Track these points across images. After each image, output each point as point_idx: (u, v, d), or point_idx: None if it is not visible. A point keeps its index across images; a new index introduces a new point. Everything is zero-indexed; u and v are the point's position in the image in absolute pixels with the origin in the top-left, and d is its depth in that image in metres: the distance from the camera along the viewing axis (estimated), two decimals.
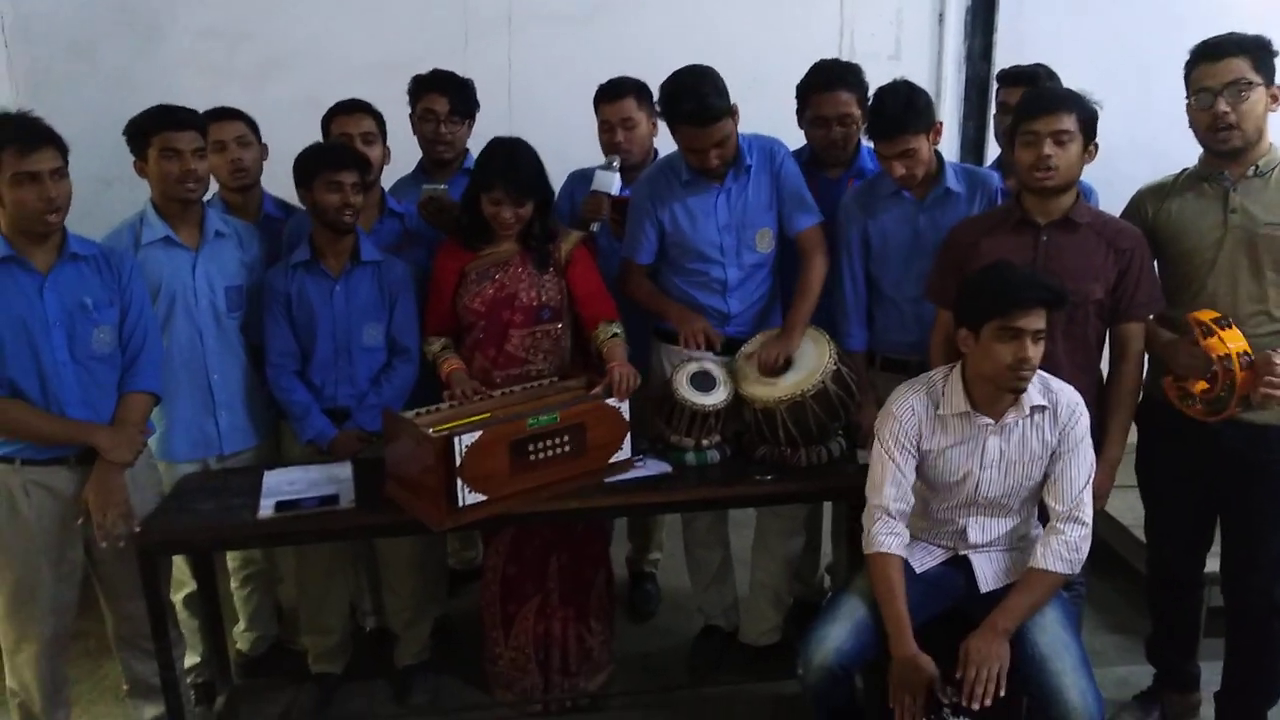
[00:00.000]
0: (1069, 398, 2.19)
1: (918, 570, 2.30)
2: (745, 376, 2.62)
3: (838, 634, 2.19)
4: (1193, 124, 2.34)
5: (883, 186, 2.68)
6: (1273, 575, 2.42)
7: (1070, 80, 2.93)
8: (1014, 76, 2.96)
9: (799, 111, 2.88)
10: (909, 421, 2.22)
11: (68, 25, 3.71)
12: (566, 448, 2.41)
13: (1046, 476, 2.22)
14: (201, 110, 2.70)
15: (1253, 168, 2.30)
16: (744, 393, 2.58)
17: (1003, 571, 2.29)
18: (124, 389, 2.39)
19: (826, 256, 2.72)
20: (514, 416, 2.37)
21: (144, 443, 2.41)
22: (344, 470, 2.57)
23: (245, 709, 2.85)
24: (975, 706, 2.07)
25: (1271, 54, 2.27)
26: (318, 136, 2.89)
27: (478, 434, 2.26)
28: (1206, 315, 2.26)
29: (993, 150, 3.59)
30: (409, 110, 3.11)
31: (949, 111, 4.15)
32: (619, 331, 2.67)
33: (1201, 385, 2.31)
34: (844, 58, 3.40)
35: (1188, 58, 2.33)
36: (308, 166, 2.59)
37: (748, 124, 2.68)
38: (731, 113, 2.58)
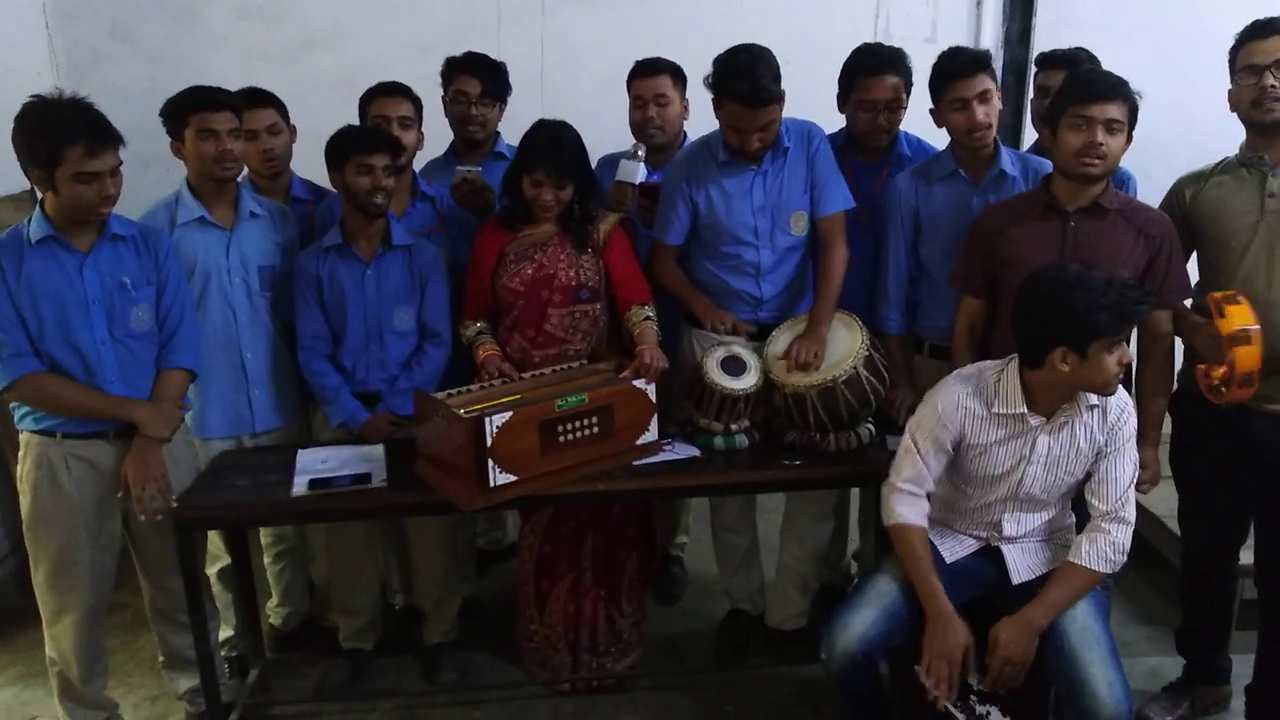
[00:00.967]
0: (1120, 397, 2.15)
1: (948, 560, 2.29)
2: (776, 361, 2.61)
3: (862, 620, 2.19)
4: (1235, 103, 2.31)
5: (939, 168, 2.67)
6: None
7: (1110, 67, 2.89)
8: (1054, 60, 2.93)
9: (841, 95, 2.85)
10: (953, 419, 2.18)
11: (107, 6, 3.76)
12: (595, 429, 2.42)
13: (1090, 475, 2.19)
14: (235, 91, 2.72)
15: None
16: (775, 377, 2.57)
17: (1036, 564, 2.27)
18: (161, 366, 2.42)
19: (847, 245, 2.71)
20: (544, 398, 2.39)
21: (181, 419, 2.44)
22: (376, 450, 2.60)
23: (277, 683, 2.90)
24: (997, 691, 2.07)
25: None
26: (352, 116, 2.91)
27: (508, 414, 2.27)
28: (1220, 294, 2.23)
29: (1029, 135, 3.55)
30: (441, 92, 3.12)
31: None
32: (651, 315, 2.67)
33: (1221, 370, 2.25)
34: (879, 39, 3.37)
35: (1234, 40, 2.30)
36: (340, 149, 2.59)
37: (785, 107, 2.65)
38: (780, 99, 2.56)
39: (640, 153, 2.88)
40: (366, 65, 3.07)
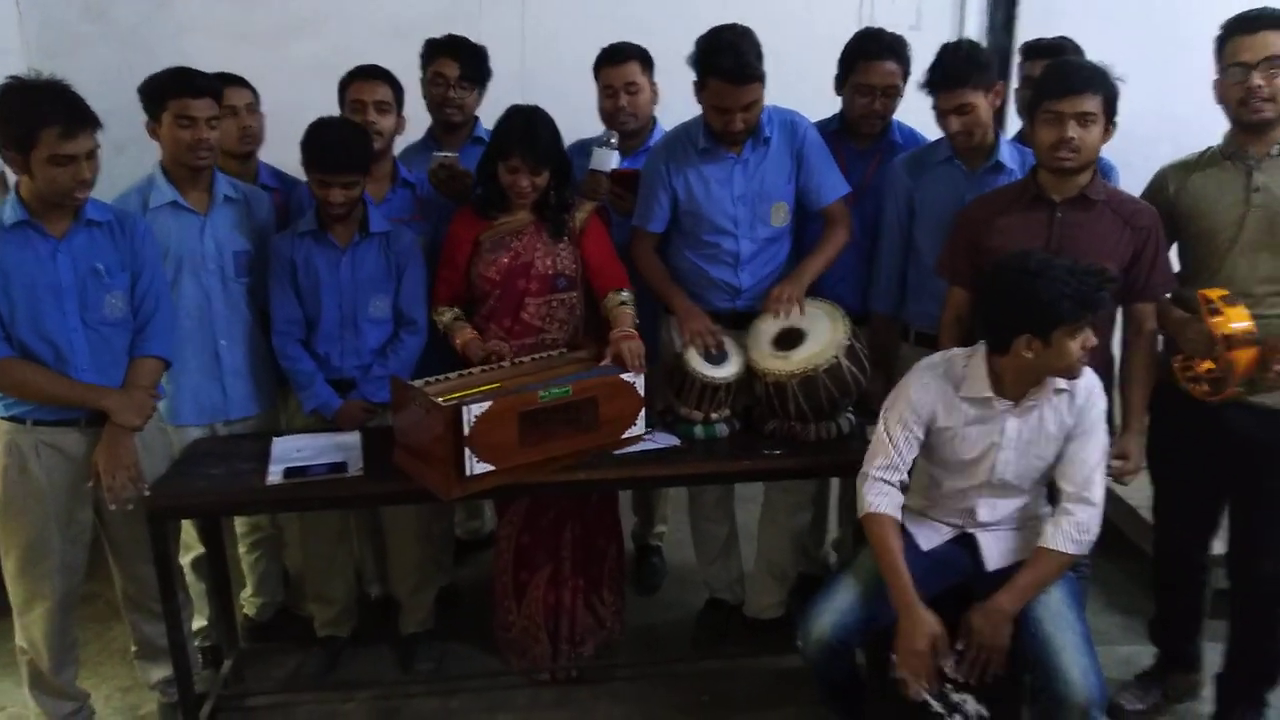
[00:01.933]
0: (1088, 380, 2.17)
1: (924, 548, 2.30)
2: (758, 350, 2.61)
3: (836, 608, 2.21)
4: (1221, 98, 2.31)
5: (935, 154, 2.68)
6: (1278, 559, 2.41)
7: (1094, 56, 2.89)
8: (1039, 49, 2.94)
9: (840, 77, 2.85)
10: (922, 403, 2.20)
11: None
12: (578, 421, 2.40)
13: (1059, 457, 2.21)
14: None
15: (1276, 146, 2.28)
16: (756, 365, 2.57)
17: (1010, 550, 2.29)
18: (135, 353, 2.39)
19: (851, 230, 2.72)
20: (524, 388, 2.37)
21: (154, 407, 2.41)
22: (352, 438, 2.58)
23: (251, 672, 2.88)
24: (971, 682, 2.08)
25: None
26: (332, 99, 2.87)
27: (487, 404, 2.25)
28: (1214, 293, 2.24)
29: (1013, 123, 3.54)
30: (420, 75, 3.09)
31: None
32: (628, 300, 2.66)
33: (1207, 365, 2.28)
34: (864, 24, 3.35)
35: (1219, 31, 2.30)
36: (307, 157, 2.56)
37: (766, 93, 2.63)
38: (763, 78, 2.55)
39: (613, 140, 2.86)
40: (346, 50, 3.03)
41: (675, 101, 2.96)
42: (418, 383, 2.44)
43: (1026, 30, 3.81)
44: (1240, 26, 2.25)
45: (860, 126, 2.85)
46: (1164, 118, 3.27)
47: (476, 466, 2.27)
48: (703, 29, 2.58)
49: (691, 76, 2.62)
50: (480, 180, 2.66)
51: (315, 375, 2.66)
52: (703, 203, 2.72)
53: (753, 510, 3.10)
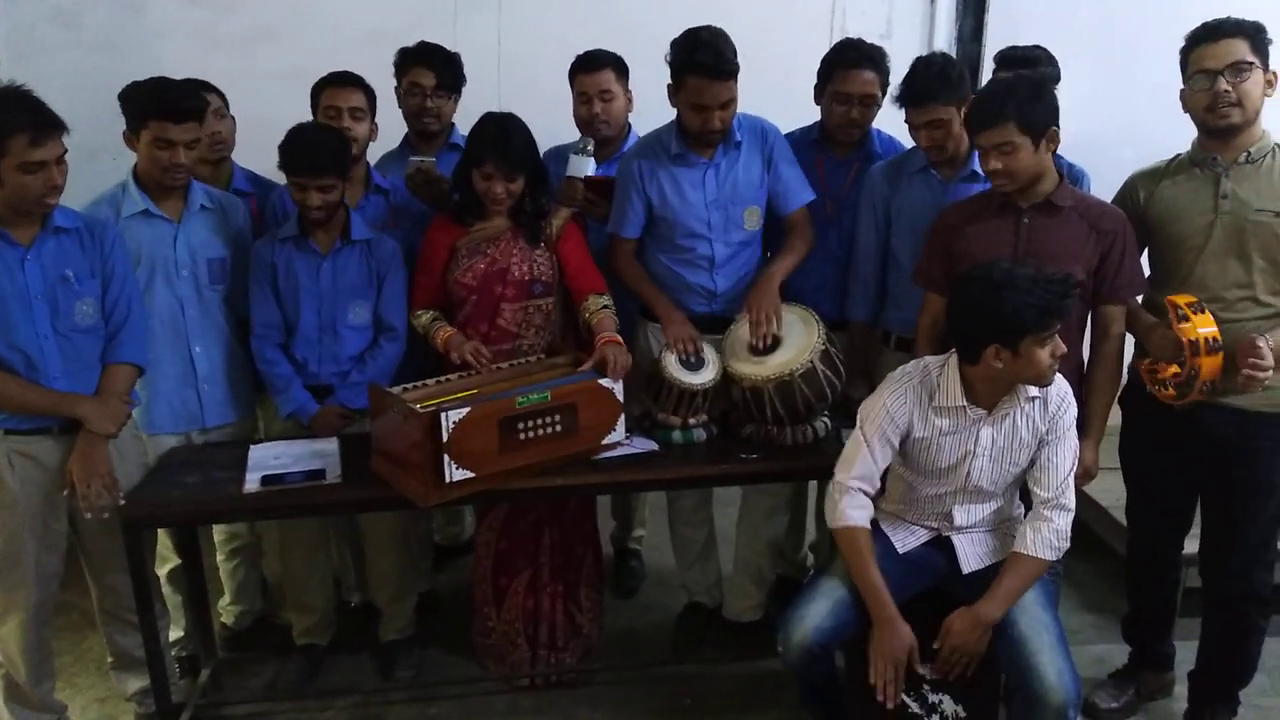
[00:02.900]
0: (1059, 387, 2.20)
1: (900, 550, 2.32)
2: (734, 355, 2.62)
3: (816, 612, 2.22)
4: (1189, 106, 2.34)
5: (911, 163, 2.71)
6: (1250, 558, 2.45)
7: (1061, 64, 2.94)
8: (1013, 59, 2.94)
9: (819, 86, 2.86)
10: (899, 411, 2.22)
11: None
12: (557, 427, 2.41)
13: (1032, 463, 2.24)
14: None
15: (1244, 154, 2.31)
16: (733, 371, 2.58)
17: (985, 553, 2.31)
18: (107, 360, 2.37)
19: (812, 238, 2.76)
20: (503, 394, 2.37)
21: (128, 414, 2.39)
22: (330, 445, 2.57)
23: (230, 682, 2.86)
24: (950, 678, 2.11)
25: (1267, 39, 2.28)
26: (305, 106, 2.86)
27: (465, 410, 2.25)
28: (1183, 299, 2.28)
29: None
30: (395, 83, 3.09)
31: None
32: (608, 304, 2.67)
33: (1173, 369, 2.33)
34: (835, 35, 3.39)
35: (1184, 42, 2.33)
36: (285, 162, 2.55)
37: (738, 101, 2.65)
38: (737, 76, 2.57)
39: (588, 147, 2.87)
40: (320, 54, 3.02)
41: (649, 110, 2.98)
42: (395, 389, 2.43)
43: (995, 39, 3.85)
44: (1204, 35, 2.29)
45: (838, 135, 2.87)
46: (1128, 123, 3.33)
47: (455, 473, 2.27)
48: (676, 33, 2.59)
49: (666, 84, 2.64)
50: (456, 187, 2.67)
51: (292, 380, 2.65)
52: (676, 207, 2.73)
53: (731, 514, 3.11)
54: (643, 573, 3.50)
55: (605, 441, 2.51)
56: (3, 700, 2.48)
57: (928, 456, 2.24)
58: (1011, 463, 2.23)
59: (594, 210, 2.91)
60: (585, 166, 2.85)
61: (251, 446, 2.58)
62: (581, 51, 3.08)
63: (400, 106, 3.10)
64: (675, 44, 2.57)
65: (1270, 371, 2.20)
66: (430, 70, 3.02)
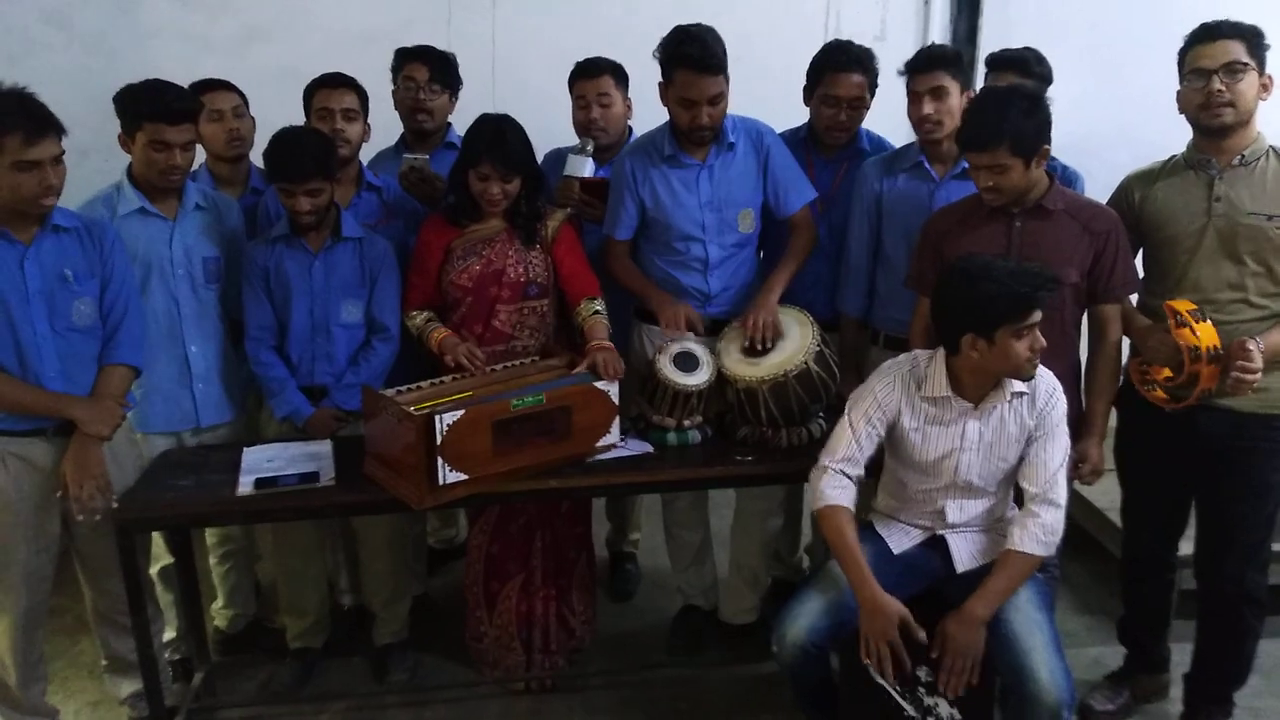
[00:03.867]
0: (1048, 382, 2.22)
1: (895, 551, 2.32)
2: (729, 356, 2.62)
3: (810, 612, 2.22)
4: (1183, 106, 2.35)
5: (904, 158, 2.72)
6: (1244, 560, 2.45)
7: (1056, 66, 2.95)
8: (1003, 61, 2.95)
9: (808, 88, 2.87)
10: (888, 401, 2.24)
11: None
12: (552, 429, 2.40)
13: (1022, 459, 2.24)
14: (190, 80, 2.66)
15: (1238, 157, 2.32)
16: (727, 372, 2.58)
17: (979, 552, 2.31)
18: (103, 361, 2.37)
19: (816, 236, 2.75)
20: (497, 396, 2.36)
21: (123, 416, 2.38)
22: (324, 448, 2.56)
23: (223, 686, 2.85)
24: (950, 695, 2.11)
25: (1264, 43, 2.29)
26: (298, 107, 2.86)
27: (459, 413, 2.25)
28: (1183, 305, 2.28)
29: None
30: (391, 85, 3.08)
31: None
32: (601, 309, 2.67)
33: (1166, 372, 2.33)
34: (829, 36, 3.39)
35: (1182, 43, 2.34)
36: (270, 168, 2.55)
37: (732, 102, 2.66)
38: (728, 76, 2.57)
39: (588, 147, 2.87)
40: (313, 56, 3.01)
41: (644, 114, 2.98)
42: (389, 392, 2.43)
43: (989, 41, 3.86)
44: (1201, 36, 2.30)
45: (827, 137, 2.87)
46: (1121, 125, 3.34)
47: (449, 476, 2.26)
48: None
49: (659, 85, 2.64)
50: (452, 188, 2.66)
51: (287, 382, 2.64)
52: (670, 210, 2.73)
53: (726, 516, 3.11)
54: (638, 576, 3.50)
55: (600, 444, 2.50)
56: None
57: (915, 448, 2.25)
58: (1000, 458, 2.24)
59: (590, 212, 2.91)
60: (583, 166, 2.86)
61: (245, 449, 2.57)
62: (575, 53, 3.08)
63: (396, 107, 3.09)
64: (664, 40, 2.58)
65: (1259, 374, 2.21)
66: (424, 65, 3.02)
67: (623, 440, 2.58)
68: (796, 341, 2.58)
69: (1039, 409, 2.21)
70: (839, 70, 2.77)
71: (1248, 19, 2.30)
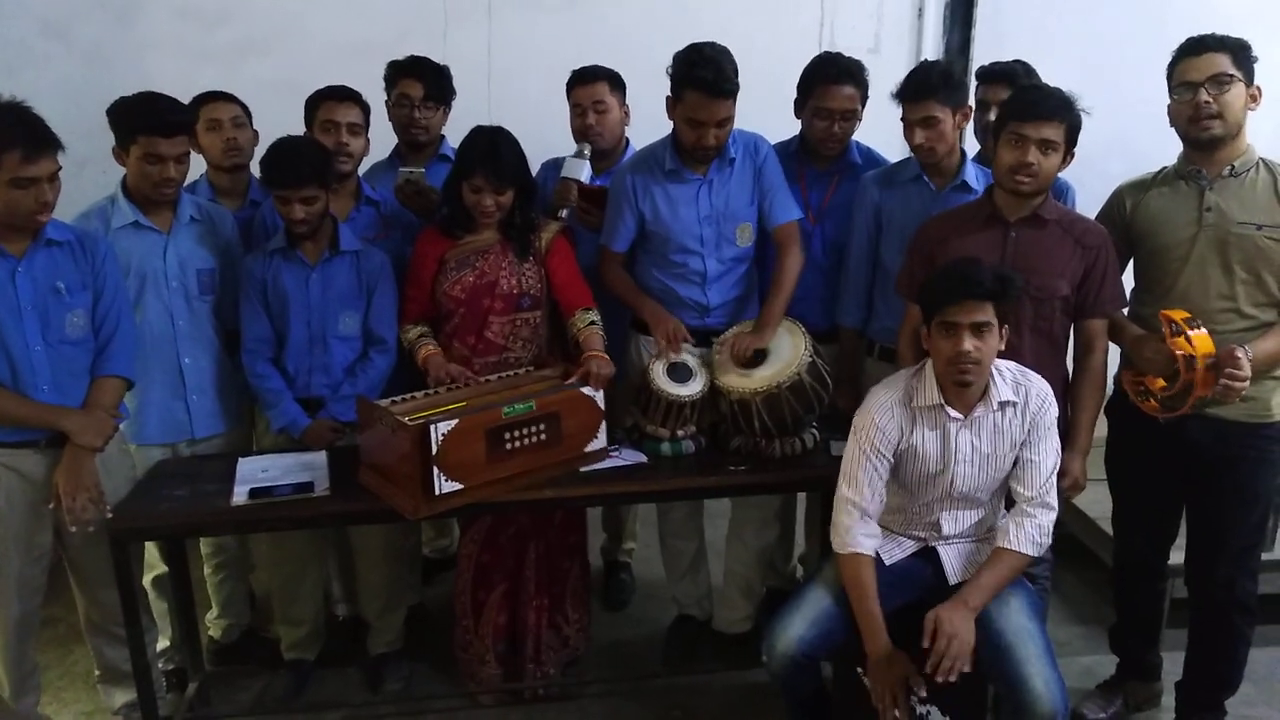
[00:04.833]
0: (1039, 388, 2.23)
1: (887, 563, 2.32)
2: (721, 368, 2.63)
3: (801, 623, 2.22)
4: (1173, 119, 2.37)
5: (904, 172, 2.74)
6: (1235, 567, 2.46)
7: (1045, 77, 2.96)
8: (994, 74, 2.99)
9: (799, 101, 2.88)
10: (888, 425, 2.23)
11: (39, 3, 3.65)
12: (542, 436, 2.41)
13: (1015, 463, 2.25)
14: (187, 92, 2.67)
15: (1228, 167, 2.34)
16: (720, 384, 2.59)
17: (971, 563, 2.31)
18: (96, 373, 2.37)
19: (802, 253, 2.75)
20: (490, 405, 2.37)
21: (115, 427, 2.38)
22: (318, 458, 2.57)
23: (217, 696, 2.84)
24: (940, 679, 2.10)
25: (1251, 55, 2.31)
26: (295, 118, 2.86)
27: (454, 422, 2.25)
28: (1179, 314, 2.30)
29: (969, 146, 3.61)
30: (385, 96, 3.10)
31: None
32: (596, 320, 2.68)
33: (1160, 383, 2.35)
34: (824, 48, 3.41)
35: (1170, 57, 2.37)
36: (266, 176, 2.56)
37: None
38: (736, 98, 2.59)
39: (586, 151, 2.89)
40: (310, 67, 3.03)
41: (640, 124, 3.00)
42: (384, 402, 2.43)
43: (982, 54, 3.89)
44: (1188, 50, 2.33)
45: (819, 149, 2.89)
46: (1114, 136, 3.35)
47: (444, 485, 2.27)
48: (665, 46, 2.61)
49: (660, 98, 2.66)
50: (446, 200, 2.67)
51: (283, 394, 2.65)
52: (669, 223, 2.74)
53: (720, 526, 3.12)
54: (633, 585, 3.50)
55: (588, 449, 2.52)
56: None
57: (914, 463, 2.26)
58: (995, 467, 2.25)
59: (587, 219, 2.93)
60: (582, 169, 2.89)
61: (240, 459, 2.58)
62: (571, 64, 3.09)
63: (390, 119, 3.11)
64: (678, 57, 2.59)
65: (1247, 383, 2.22)
66: (419, 82, 3.03)
67: (616, 450, 2.59)
68: (789, 353, 2.59)
69: (1031, 415, 2.22)
70: (830, 82, 2.78)
71: (1240, 31, 2.32)
